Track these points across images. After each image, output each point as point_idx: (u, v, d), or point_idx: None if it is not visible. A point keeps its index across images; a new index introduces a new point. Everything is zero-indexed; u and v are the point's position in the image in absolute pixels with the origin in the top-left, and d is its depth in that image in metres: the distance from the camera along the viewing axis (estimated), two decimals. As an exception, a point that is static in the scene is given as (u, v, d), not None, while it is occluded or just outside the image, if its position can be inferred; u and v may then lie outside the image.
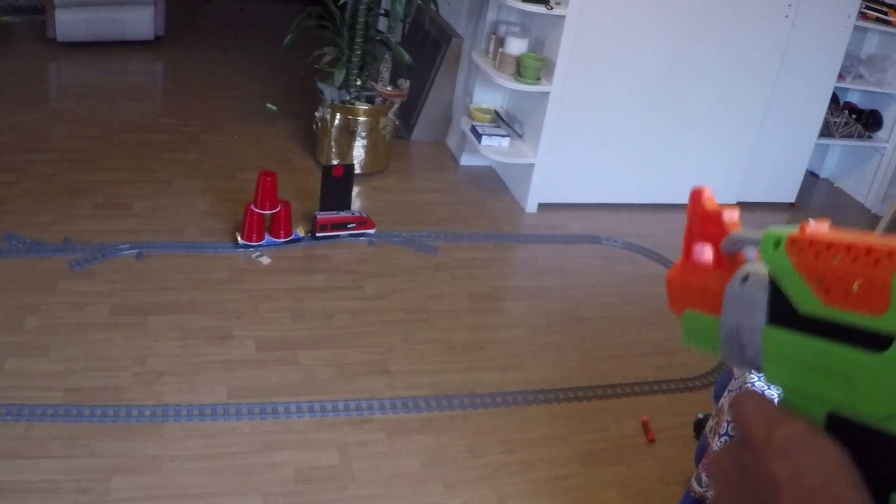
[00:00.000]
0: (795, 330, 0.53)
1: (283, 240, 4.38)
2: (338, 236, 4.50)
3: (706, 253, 0.63)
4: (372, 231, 4.56)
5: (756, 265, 0.58)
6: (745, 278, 0.57)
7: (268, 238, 4.35)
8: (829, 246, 0.51)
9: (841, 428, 0.52)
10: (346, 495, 2.94)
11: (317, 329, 3.78)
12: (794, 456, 0.52)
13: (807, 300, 0.52)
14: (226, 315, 3.77)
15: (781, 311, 0.54)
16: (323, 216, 4.47)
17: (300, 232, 4.45)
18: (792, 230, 0.54)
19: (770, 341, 0.55)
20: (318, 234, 4.47)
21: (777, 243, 0.54)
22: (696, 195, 0.64)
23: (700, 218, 0.63)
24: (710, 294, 0.61)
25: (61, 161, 4.87)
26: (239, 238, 4.32)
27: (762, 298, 0.56)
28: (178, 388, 3.29)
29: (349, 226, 4.51)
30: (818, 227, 0.53)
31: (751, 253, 0.60)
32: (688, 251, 0.65)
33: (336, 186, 4.50)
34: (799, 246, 0.52)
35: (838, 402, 0.52)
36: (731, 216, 0.62)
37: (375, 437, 3.23)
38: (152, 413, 3.14)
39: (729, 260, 0.61)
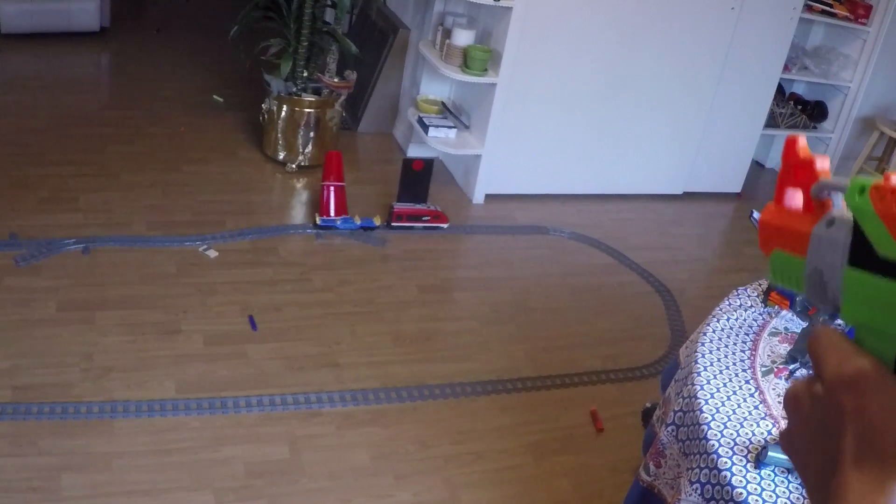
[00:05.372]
0: (874, 272, 0.57)
1: (359, 223, 4.57)
2: (412, 227, 4.68)
3: (797, 198, 0.67)
4: (445, 225, 4.76)
5: (842, 211, 0.62)
6: (831, 222, 0.61)
7: (344, 218, 4.53)
8: None
9: None
10: (297, 489, 2.95)
11: (265, 322, 3.78)
12: (861, 390, 0.56)
13: (886, 244, 0.56)
14: (173, 309, 3.75)
15: (862, 253, 0.58)
16: (400, 207, 4.67)
17: (377, 221, 4.62)
18: (877, 179, 0.57)
19: (850, 281, 0.59)
20: (393, 224, 4.65)
21: (862, 190, 0.57)
22: (791, 143, 0.68)
23: (793, 165, 0.67)
24: (799, 235, 0.64)
25: (6, 155, 4.80)
26: (318, 218, 4.52)
27: (845, 241, 0.59)
28: (126, 384, 3.27)
29: (424, 218, 4.70)
30: None
31: (838, 200, 0.64)
32: (780, 195, 0.69)
33: (415, 179, 4.68)
34: (882, 193, 0.56)
35: None
36: (823, 164, 0.66)
37: (325, 430, 3.24)
38: (101, 409, 3.13)
39: (817, 205, 0.65)
